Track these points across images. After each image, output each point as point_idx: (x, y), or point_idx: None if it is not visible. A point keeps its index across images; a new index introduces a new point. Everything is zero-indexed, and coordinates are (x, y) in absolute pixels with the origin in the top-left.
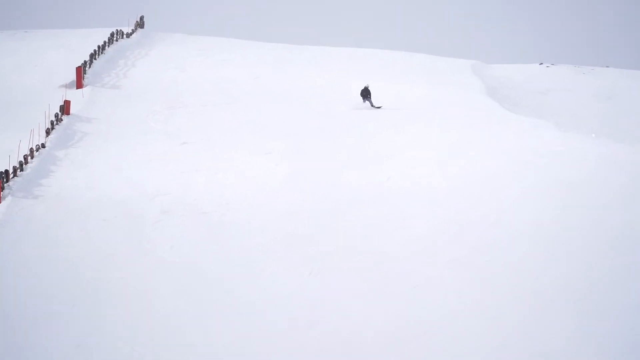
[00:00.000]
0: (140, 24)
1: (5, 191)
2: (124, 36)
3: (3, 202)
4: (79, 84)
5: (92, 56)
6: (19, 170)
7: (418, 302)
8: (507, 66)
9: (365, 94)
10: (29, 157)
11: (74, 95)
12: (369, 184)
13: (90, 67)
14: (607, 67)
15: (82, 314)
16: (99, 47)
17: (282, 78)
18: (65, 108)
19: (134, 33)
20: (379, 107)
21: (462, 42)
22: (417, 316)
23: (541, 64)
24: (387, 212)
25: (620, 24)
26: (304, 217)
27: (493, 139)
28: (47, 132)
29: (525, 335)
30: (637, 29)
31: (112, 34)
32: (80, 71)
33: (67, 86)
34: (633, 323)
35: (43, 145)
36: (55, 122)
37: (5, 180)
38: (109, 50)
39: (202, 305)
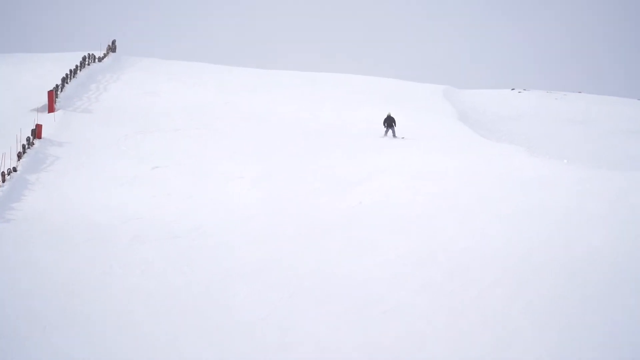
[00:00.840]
0: (112, 48)
1: None
2: (96, 60)
3: None
4: (51, 108)
5: (64, 80)
6: None
7: (387, 328)
8: (479, 91)
9: (390, 122)
10: (1, 181)
11: (45, 119)
12: (340, 209)
13: (62, 91)
14: (579, 92)
15: (53, 338)
16: (70, 71)
17: (253, 102)
18: (37, 132)
19: (106, 57)
20: (402, 138)
21: (433, 67)
22: (387, 342)
23: (513, 89)
24: (358, 237)
25: (593, 50)
26: (275, 242)
27: (464, 165)
28: (19, 156)
29: None
30: (610, 55)
31: (84, 58)
32: (52, 95)
33: (39, 110)
34: (607, 353)
35: (15, 169)
36: (26, 146)
37: None
38: (80, 74)
39: (174, 330)
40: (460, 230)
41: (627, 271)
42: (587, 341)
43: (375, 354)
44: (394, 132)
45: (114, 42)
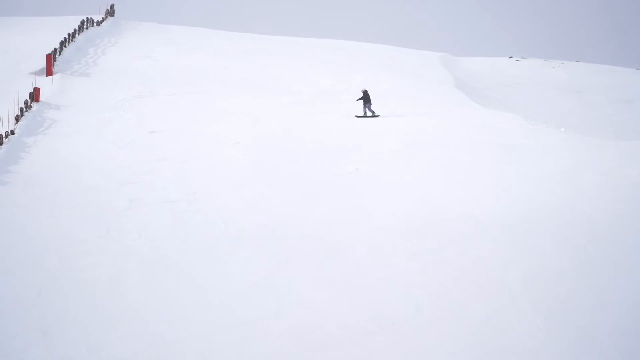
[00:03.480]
0: (110, 12)
1: None
2: (94, 24)
3: None
4: (49, 72)
5: (62, 44)
6: None
7: (382, 295)
8: (476, 59)
9: (366, 100)
10: None
11: (43, 83)
12: (336, 175)
13: (60, 54)
14: (577, 61)
15: (48, 301)
16: (69, 34)
17: (251, 68)
18: (34, 95)
19: (104, 21)
20: (377, 116)
21: (431, 34)
22: (382, 308)
23: (511, 57)
24: (354, 204)
25: (591, 19)
26: (270, 208)
27: (461, 132)
28: (17, 119)
29: (491, 329)
30: (607, 24)
31: (82, 22)
32: (50, 58)
33: (37, 73)
34: (600, 318)
35: (12, 132)
36: (24, 109)
37: None
38: (79, 38)
39: (169, 294)
40: (456, 197)
41: (621, 237)
42: (581, 307)
43: (371, 321)
44: (370, 109)
45: (112, 6)
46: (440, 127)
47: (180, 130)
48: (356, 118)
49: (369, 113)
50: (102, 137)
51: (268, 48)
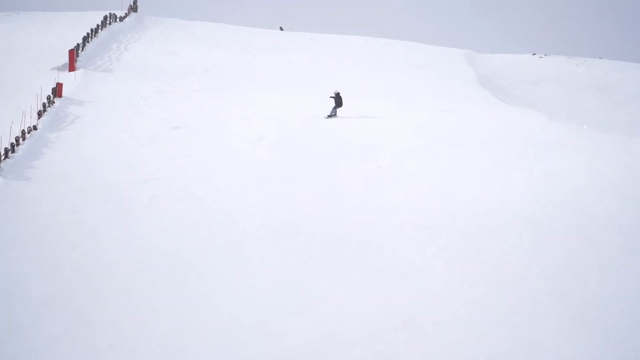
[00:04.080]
0: (133, 8)
1: None
2: (117, 20)
3: None
4: (72, 67)
5: (85, 39)
6: (10, 152)
7: (405, 291)
8: (500, 56)
9: (338, 102)
10: (21, 139)
11: (66, 78)
12: (359, 172)
13: (83, 50)
14: (600, 58)
15: (71, 297)
16: (92, 30)
17: (274, 64)
18: (57, 90)
19: (127, 17)
20: (329, 117)
21: (455, 31)
22: (404, 304)
23: (534, 54)
24: (377, 201)
25: (614, 16)
26: (294, 204)
27: (484, 129)
28: (39, 115)
29: (512, 325)
30: (631, 21)
31: (105, 17)
32: (73, 54)
33: (60, 69)
34: (619, 313)
35: (35, 128)
36: (47, 105)
37: None
38: (102, 33)
39: (191, 291)
40: (479, 194)
41: None
42: (604, 305)
43: (393, 317)
44: (334, 111)
45: (135, 1)
46: (463, 124)
47: (203, 127)
48: (326, 118)
49: (332, 112)
50: (125, 133)
51: (292, 44)
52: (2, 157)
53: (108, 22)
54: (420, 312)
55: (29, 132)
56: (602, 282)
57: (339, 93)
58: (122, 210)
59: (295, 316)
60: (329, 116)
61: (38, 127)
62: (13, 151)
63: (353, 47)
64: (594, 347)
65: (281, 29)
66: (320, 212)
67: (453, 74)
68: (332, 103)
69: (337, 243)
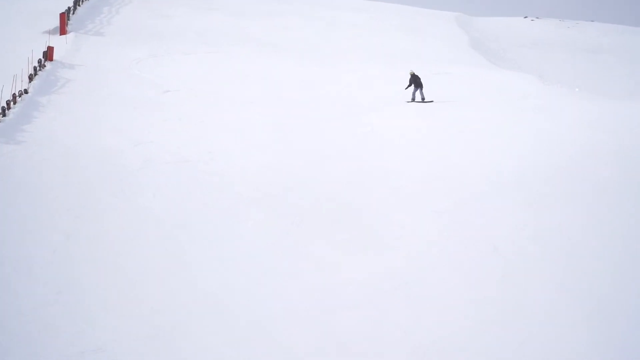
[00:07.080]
0: None
1: None
2: None
3: None
4: (63, 31)
5: (76, 2)
6: (1, 115)
7: (399, 254)
8: (491, 19)
9: (418, 82)
10: (12, 103)
11: (57, 42)
12: (352, 135)
13: (74, 13)
14: (591, 21)
15: (63, 260)
16: None
17: (268, 28)
18: (48, 54)
19: None
20: (430, 102)
21: None
22: (398, 267)
23: (526, 17)
24: (370, 163)
25: None
26: (286, 168)
27: (476, 92)
28: (30, 78)
29: (507, 288)
30: None
31: None
32: (64, 17)
33: (51, 32)
34: (606, 278)
35: (26, 91)
36: (38, 68)
37: None
38: None
39: (184, 254)
40: (472, 157)
41: (636, 201)
42: (593, 267)
43: (386, 279)
44: (422, 94)
45: None
46: (455, 87)
47: (196, 91)
48: (407, 103)
49: (418, 98)
50: (117, 96)
51: (287, 9)
52: None
53: None
54: (413, 274)
55: (20, 96)
56: (593, 243)
57: (414, 72)
58: (114, 174)
59: (287, 279)
60: (418, 101)
61: (29, 90)
62: (4, 115)
63: (349, 11)
64: (582, 311)
65: None
66: (313, 174)
67: (445, 37)
68: (411, 87)
69: (329, 206)
